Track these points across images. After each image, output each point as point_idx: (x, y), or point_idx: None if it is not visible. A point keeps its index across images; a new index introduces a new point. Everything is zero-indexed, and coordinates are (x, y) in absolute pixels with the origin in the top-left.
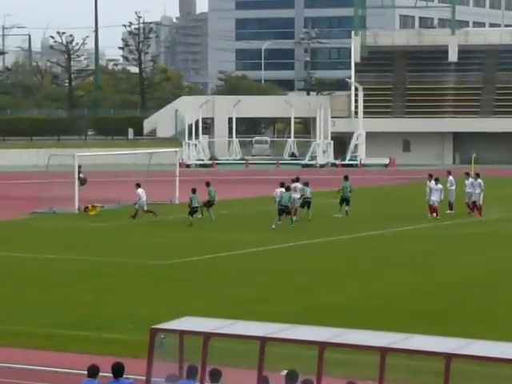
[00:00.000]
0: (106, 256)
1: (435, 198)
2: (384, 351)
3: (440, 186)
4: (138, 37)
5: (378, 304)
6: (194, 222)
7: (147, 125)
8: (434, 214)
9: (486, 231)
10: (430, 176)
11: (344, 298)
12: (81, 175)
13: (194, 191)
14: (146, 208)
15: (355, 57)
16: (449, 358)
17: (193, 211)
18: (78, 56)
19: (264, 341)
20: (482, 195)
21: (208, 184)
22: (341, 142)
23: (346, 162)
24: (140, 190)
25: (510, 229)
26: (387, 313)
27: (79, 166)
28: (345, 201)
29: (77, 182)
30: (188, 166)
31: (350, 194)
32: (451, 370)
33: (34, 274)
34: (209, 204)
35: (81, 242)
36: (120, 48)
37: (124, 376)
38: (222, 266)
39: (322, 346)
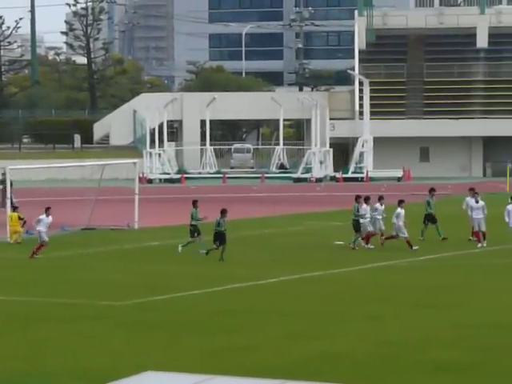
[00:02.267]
0: (46, 296)
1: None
2: None
3: (482, 203)
4: (86, 19)
5: (390, 353)
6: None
7: (98, 130)
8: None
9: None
10: (472, 191)
11: (347, 345)
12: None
13: (222, 213)
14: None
15: (359, 43)
16: None
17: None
18: (10, 43)
19: None
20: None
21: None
22: (342, 150)
23: (349, 174)
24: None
25: None
26: (401, 364)
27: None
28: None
29: (8, 202)
30: (150, 181)
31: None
32: None
33: None
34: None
35: (14, 279)
36: (63, 33)
37: None
38: (195, 307)
39: None
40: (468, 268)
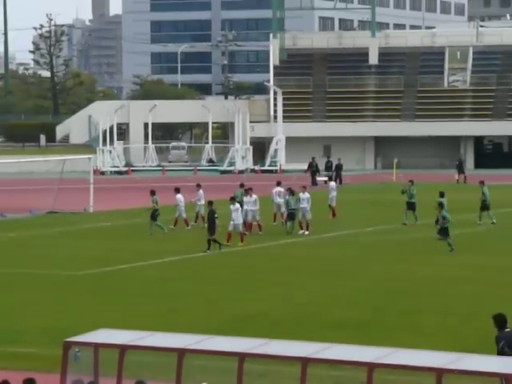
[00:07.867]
0: (16, 267)
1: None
2: (305, 361)
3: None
4: (50, 40)
5: (300, 312)
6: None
7: (60, 131)
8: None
9: (404, 238)
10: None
11: (266, 307)
12: None
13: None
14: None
15: (274, 60)
16: (372, 367)
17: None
18: None
19: (182, 353)
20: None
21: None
22: (260, 148)
23: (266, 167)
24: (179, 196)
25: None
26: (309, 321)
27: None
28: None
29: None
30: (103, 173)
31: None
32: (374, 380)
33: None
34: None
35: None
36: (31, 52)
37: None
38: (140, 276)
39: (242, 357)
40: (363, 243)
